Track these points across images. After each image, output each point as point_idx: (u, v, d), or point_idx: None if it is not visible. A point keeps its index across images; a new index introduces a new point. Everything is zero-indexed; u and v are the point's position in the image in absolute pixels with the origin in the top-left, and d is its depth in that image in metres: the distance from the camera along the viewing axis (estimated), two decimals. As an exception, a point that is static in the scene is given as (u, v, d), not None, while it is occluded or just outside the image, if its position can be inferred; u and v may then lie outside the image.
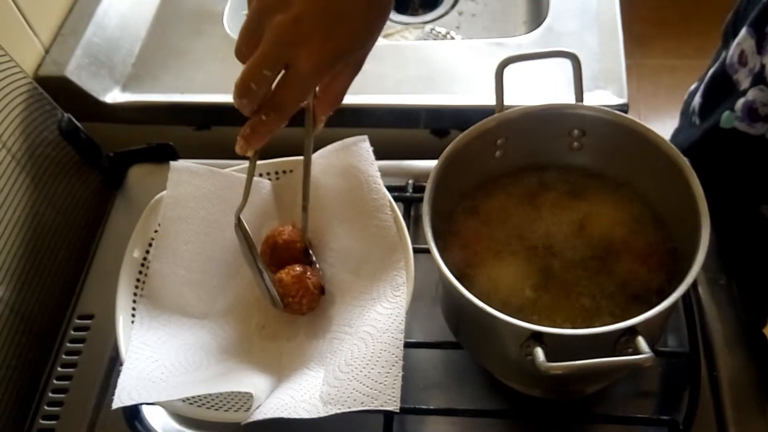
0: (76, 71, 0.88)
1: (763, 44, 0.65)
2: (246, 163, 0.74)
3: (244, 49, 0.52)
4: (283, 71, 0.52)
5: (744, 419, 0.62)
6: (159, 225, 0.70)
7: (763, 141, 0.67)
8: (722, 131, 0.71)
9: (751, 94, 0.67)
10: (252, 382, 0.62)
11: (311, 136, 0.64)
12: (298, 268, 0.67)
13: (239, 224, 0.63)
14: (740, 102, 0.68)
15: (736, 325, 0.68)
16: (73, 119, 0.83)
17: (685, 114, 0.82)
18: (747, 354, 0.66)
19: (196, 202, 0.70)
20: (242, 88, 0.52)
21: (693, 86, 0.82)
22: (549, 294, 0.61)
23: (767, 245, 0.72)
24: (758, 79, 0.66)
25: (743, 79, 0.68)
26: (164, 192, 0.71)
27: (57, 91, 0.84)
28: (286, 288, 0.66)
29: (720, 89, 0.72)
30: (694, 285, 0.70)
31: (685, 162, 0.58)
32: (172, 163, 0.71)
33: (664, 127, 0.62)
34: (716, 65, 0.74)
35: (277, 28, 0.50)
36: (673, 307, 0.52)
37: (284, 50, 0.50)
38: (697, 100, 0.78)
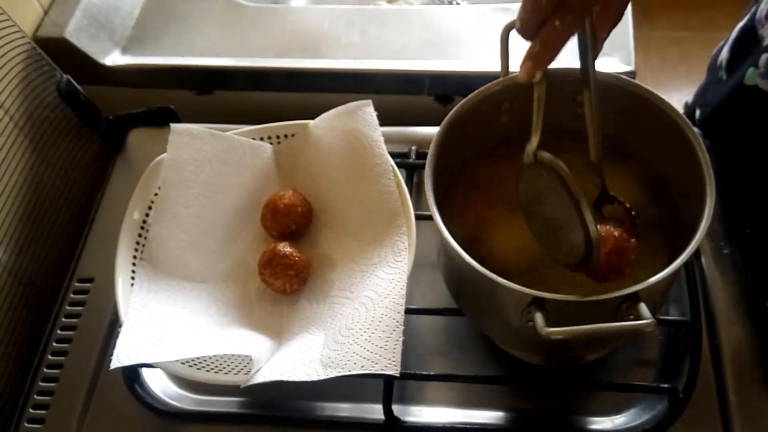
0: (75, 33, 0.87)
1: None
2: (247, 127, 0.74)
3: None
4: None
5: (744, 387, 0.62)
6: (159, 188, 0.70)
7: None
8: (746, 88, 0.70)
9: None
10: (252, 345, 0.62)
11: (593, 61, 0.54)
12: (287, 249, 0.67)
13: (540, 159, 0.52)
14: (764, 57, 0.67)
15: (738, 294, 0.67)
16: (73, 81, 0.82)
17: (712, 69, 0.81)
18: (748, 323, 0.66)
19: (197, 165, 0.70)
20: None
21: (721, 42, 0.81)
22: (552, 260, 0.61)
23: None
24: None
25: (767, 35, 0.67)
26: (165, 154, 0.70)
27: (56, 52, 0.83)
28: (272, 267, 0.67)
29: (747, 44, 0.72)
30: (697, 254, 0.70)
31: (691, 129, 0.58)
32: (172, 125, 0.71)
33: (670, 99, 0.61)
34: (746, 19, 0.73)
35: None
36: (676, 273, 0.52)
37: None
38: (724, 54, 0.77)
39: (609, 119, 0.65)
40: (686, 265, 0.65)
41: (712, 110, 0.76)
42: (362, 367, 0.57)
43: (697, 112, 0.81)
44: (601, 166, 0.57)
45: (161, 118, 0.84)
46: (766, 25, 0.68)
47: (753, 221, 0.71)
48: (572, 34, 0.49)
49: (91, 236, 0.79)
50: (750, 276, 0.69)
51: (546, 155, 0.52)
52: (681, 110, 0.59)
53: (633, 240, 0.56)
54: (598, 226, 0.53)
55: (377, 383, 0.62)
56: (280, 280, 0.66)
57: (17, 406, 0.68)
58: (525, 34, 0.49)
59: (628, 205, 0.58)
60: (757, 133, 0.72)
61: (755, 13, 0.71)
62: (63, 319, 0.72)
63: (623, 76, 0.61)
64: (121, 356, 0.58)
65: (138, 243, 0.68)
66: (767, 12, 0.68)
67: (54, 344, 0.71)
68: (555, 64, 0.60)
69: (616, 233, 0.55)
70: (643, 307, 0.49)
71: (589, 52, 0.53)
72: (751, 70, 0.69)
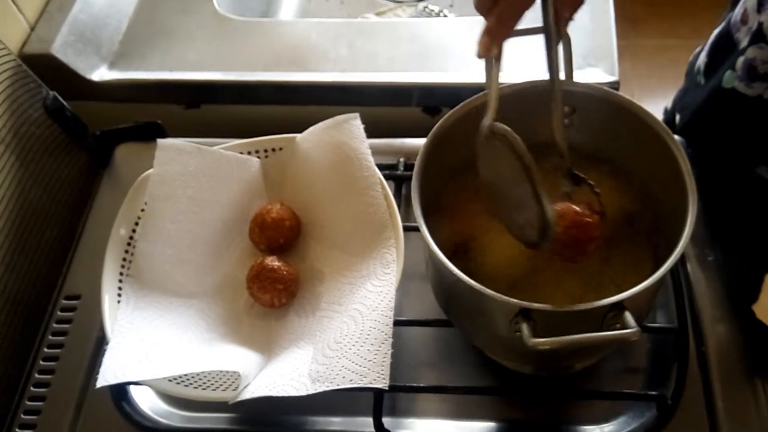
0: (62, 49, 0.87)
1: (764, 3, 0.66)
2: (235, 141, 0.74)
3: None
4: None
5: (732, 394, 0.62)
6: (146, 204, 0.69)
7: (760, 102, 0.68)
8: (724, 91, 0.72)
9: (750, 53, 0.68)
10: (240, 360, 0.61)
11: (556, 44, 0.54)
12: (276, 263, 0.67)
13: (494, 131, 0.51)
14: (740, 60, 0.69)
15: (724, 301, 0.68)
16: (59, 97, 0.81)
17: (690, 74, 0.82)
18: (735, 329, 0.66)
19: (184, 180, 0.70)
20: None
21: (698, 48, 0.82)
22: (540, 271, 0.61)
23: (762, 207, 0.73)
24: (756, 37, 0.67)
25: (743, 38, 0.69)
26: (151, 170, 0.70)
27: (42, 69, 0.83)
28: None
29: (723, 48, 0.73)
30: (682, 261, 0.70)
31: (672, 138, 0.58)
32: (159, 140, 0.70)
33: (657, 107, 0.62)
34: (722, 24, 0.75)
35: None
36: (661, 282, 0.52)
37: None
38: (702, 59, 0.79)
39: (592, 130, 0.65)
40: (672, 272, 0.65)
41: (692, 113, 0.77)
42: (351, 380, 0.57)
43: (677, 117, 0.82)
44: (566, 144, 0.57)
45: (148, 133, 0.84)
46: (742, 29, 0.70)
47: (734, 224, 0.72)
48: (527, 6, 0.49)
49: (78, 253, 0.78)
50: (734, 280, 0.69)
51: (499, 125, 0.52)
52: (660, 116, 0.60)
53: (596, 216, 0.55)
54: (558, 204, 0.53)
55: (368, 396, 0.62)
56: (268, 294, 0.66)
57: (4, 425, 0.67)
58: (481, 8, 0.50)
59: (591, 183, 0.57)
60: (736, 134, 0.74)
61: (731, 18, 0.72)
62: (50, 337, 0.72)
63: (605, 87, 0.62)
64: (108, 375, 0.58)
65: (125, 259, 0.68)
66: (741, 15, 0.70)
67: (41, 362, 0.70)
68: (541, 77, 0.60)
69: (576, 207, 0.55)
70: (628, 316, 0.49)
71: (552, 30, 0.53)
72: (728, 73, 0.71)
